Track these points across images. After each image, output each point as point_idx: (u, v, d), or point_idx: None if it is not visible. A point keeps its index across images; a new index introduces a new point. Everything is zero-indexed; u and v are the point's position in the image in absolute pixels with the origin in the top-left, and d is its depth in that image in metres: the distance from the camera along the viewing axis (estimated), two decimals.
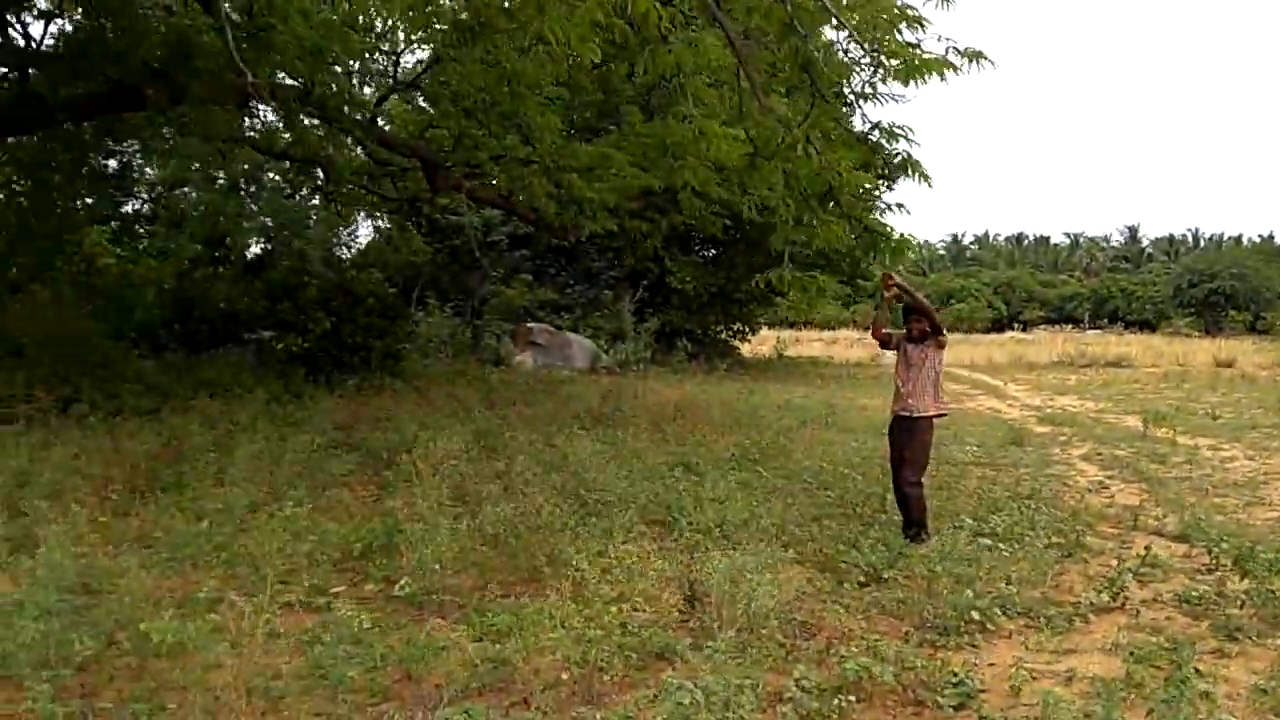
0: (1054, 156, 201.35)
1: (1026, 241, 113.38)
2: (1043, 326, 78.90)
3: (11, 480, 7.63)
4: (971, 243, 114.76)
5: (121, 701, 4.55)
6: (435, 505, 7.61)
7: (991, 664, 5.28)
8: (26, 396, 10.96)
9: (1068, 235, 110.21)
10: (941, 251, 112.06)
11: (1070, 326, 77.70)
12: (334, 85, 11.39)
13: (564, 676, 4.83)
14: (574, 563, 5.57)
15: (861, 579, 6.57)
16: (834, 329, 68.28)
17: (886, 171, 12.74)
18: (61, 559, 5.27)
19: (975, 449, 13.07)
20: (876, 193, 17.95)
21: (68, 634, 4.66)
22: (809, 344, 48.82)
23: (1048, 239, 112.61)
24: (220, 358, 15.77)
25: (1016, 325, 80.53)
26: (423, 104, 15.96)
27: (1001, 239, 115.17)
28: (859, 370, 31.23)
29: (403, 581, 6.20)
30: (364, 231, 28.39)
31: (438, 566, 6.30)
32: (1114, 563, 7.25)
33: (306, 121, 12.72)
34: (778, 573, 6.00)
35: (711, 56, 6.77)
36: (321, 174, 16.45)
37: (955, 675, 4.91)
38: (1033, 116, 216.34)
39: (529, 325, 22.73)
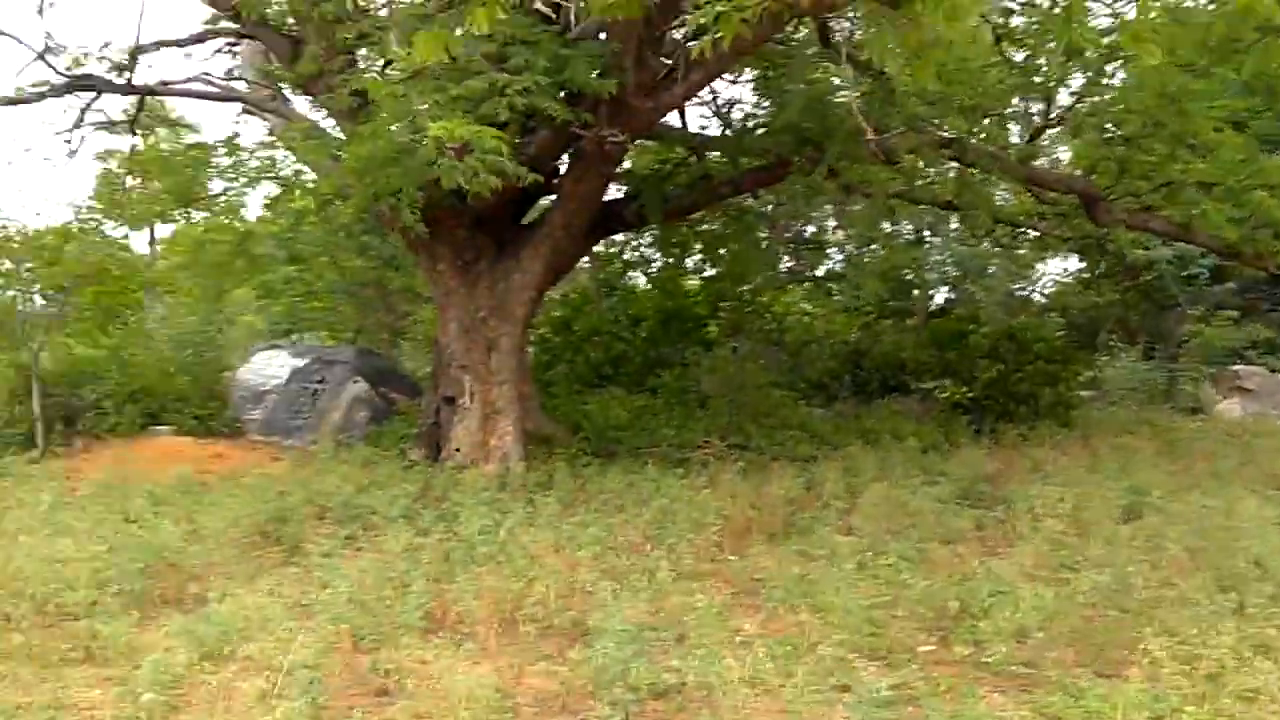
0: None
1: None
2: None
3: (656, 518, 8.55)
4: None
5: None
6: (1047, 567, 7.04)
7: None
8: (702, 443, 12.26)
9: None
10: None
11: None
12: (973, 130, 11.18)
13: None
14: (1160, 647, 4.68)
15: None
16: None
17: None
18: (649, 596, 5.73)
19: None
20: None
21: (635, 664, 5.04)
22: None
23: None
24: (886, 407, 16.21)
25: None
26: (1077, 137, 14.94)
27: None
28: None
29: (994, 648, 5.75)
30: (1051, 273, 27.29)
31: (1039, 634, 5.77)
32: None
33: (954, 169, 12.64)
34: None
35: None
36: (967, 219, 16.19)
37: None
38: None
39: (1235, 369, 19.87)
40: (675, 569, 6.99)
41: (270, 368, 15.21)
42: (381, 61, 11.45)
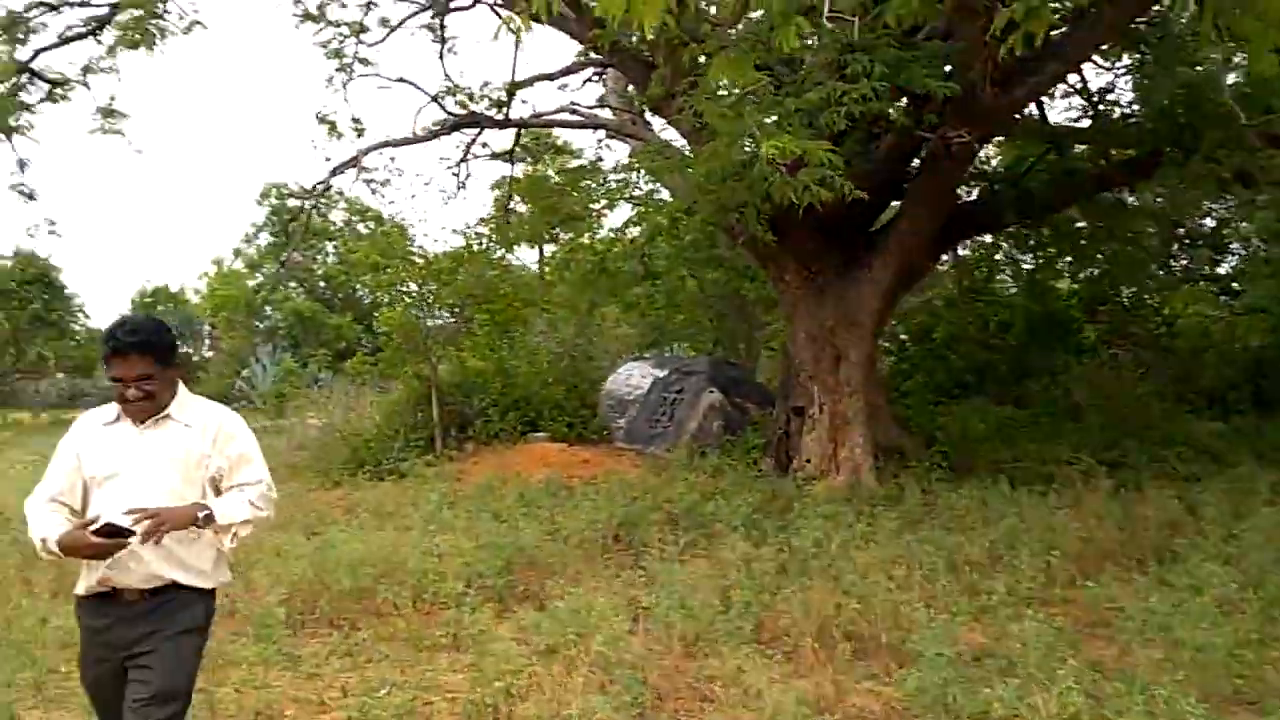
0: None
1: None
2: None
3: (1003, 538, 8.08)
4: None
5: None
6: None
7: None
8: (1072, 459, 11.36)
9: None
10: None
11: None
12: None
13: None
14: None
15: None
16: None
17: None
18: (983, 620, 5.47)
19: None
20: None
21: (954, 688, 4.85)
22: None
23: None
24: None
25: None
26: None
27: None
28: None
29: None
30: None
31: None
32: None
33: None
34: None
35: None
36: None
37: None
38: None
39: None
40: (1014, 593, 6.60)
41: (634, 378, 15.98)
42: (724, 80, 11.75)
